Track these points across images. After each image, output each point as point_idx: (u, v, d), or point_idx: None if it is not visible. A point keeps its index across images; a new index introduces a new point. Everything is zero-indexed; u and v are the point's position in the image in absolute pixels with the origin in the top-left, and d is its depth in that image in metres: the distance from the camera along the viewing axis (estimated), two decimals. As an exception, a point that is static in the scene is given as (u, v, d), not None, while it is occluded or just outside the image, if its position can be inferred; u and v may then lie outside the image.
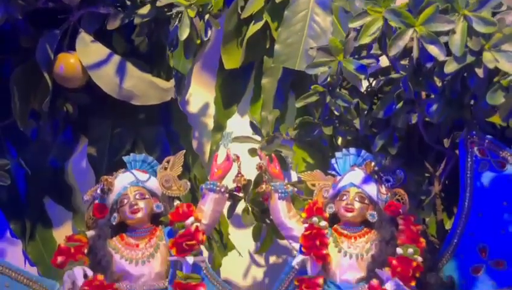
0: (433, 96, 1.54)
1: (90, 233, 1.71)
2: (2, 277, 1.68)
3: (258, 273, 2.25)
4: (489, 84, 1.34)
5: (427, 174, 1.92)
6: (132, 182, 1.73)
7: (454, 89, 1.43)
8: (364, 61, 1.61)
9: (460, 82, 1.42)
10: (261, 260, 2.27)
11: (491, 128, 1.69)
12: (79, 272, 1.59)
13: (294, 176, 2.16)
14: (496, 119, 1.60)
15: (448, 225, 1.87)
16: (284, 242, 2.18)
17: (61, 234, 2.09)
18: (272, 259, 2.26)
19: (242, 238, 2.22)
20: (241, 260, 2.21)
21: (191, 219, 1.67)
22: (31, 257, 2.16)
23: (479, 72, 1.30)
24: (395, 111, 1.67)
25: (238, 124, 2.25)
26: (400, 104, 1.65)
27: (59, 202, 2.22)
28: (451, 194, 1.85)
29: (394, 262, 1.60)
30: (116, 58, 1.96)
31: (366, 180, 1.75)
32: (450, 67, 1.32)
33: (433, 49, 1.34)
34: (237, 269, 2.20)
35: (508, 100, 1.27)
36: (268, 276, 2.22)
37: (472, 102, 1.58)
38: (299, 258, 1.67)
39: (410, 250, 1.62)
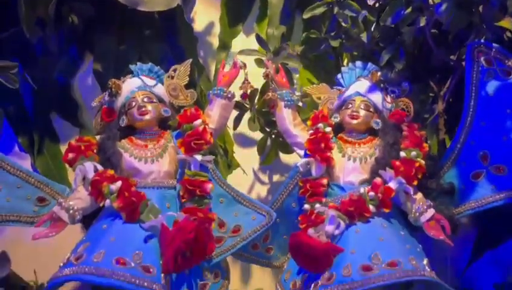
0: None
1: (100, 136, 1.73)
2: (14, 178, 1.70)
3: (261, 190, 2.29)
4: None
5: (431, 94, 1.93)
6: (140, 87, 1.74)
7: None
8: (374, -33, 1.59)
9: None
10: (264, 178, 2.31)
11: (500, 34, 1.68)
12: (90, 166, 1.61)
13: (299, 95, 2.18)
14: (504, 23, 1.59)
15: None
16: (287, 160, 2.22)
17: (68, 148, 2.10)
18: (276, 177, 2.30)
19: (247, 157, 2.25)
20: (245, 177, 2.24)
21: (199, 121, 1.69)
22: (40, 170, 2.19)
23: (492, -39, 1.29)
24: (403, 17, 1.66)
25: (244, 43, 2.24)
26: (409, 9, 1.64)
27: (66, 118, 2.23)
28: (454, 115, 1.87)
29: (397, 163, 1.63)
30: (122, -40, 1.93)
31: (371, 89, 1.76)
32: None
33: None
34: (241, 187, 2.22)
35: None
36: (272, 193, 2.26)
37: (481, 8, 1.57)
38: (304, 160, 1.70)
39: (414, 153, 1.65)
